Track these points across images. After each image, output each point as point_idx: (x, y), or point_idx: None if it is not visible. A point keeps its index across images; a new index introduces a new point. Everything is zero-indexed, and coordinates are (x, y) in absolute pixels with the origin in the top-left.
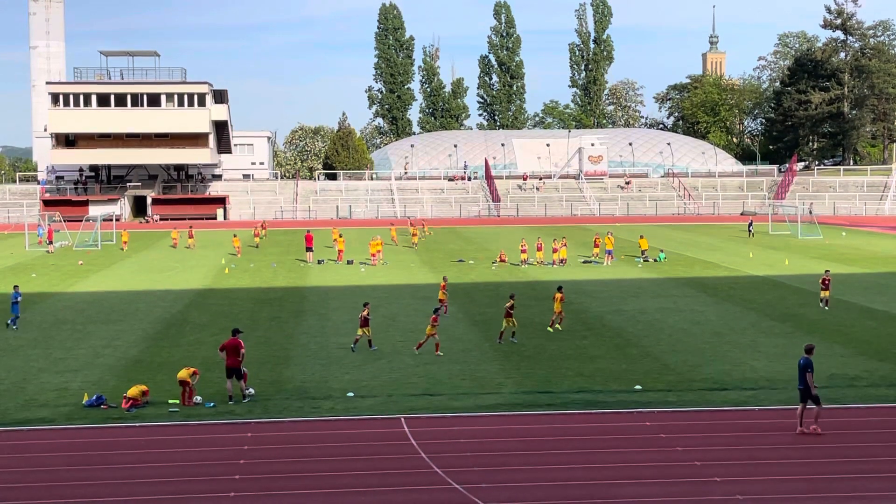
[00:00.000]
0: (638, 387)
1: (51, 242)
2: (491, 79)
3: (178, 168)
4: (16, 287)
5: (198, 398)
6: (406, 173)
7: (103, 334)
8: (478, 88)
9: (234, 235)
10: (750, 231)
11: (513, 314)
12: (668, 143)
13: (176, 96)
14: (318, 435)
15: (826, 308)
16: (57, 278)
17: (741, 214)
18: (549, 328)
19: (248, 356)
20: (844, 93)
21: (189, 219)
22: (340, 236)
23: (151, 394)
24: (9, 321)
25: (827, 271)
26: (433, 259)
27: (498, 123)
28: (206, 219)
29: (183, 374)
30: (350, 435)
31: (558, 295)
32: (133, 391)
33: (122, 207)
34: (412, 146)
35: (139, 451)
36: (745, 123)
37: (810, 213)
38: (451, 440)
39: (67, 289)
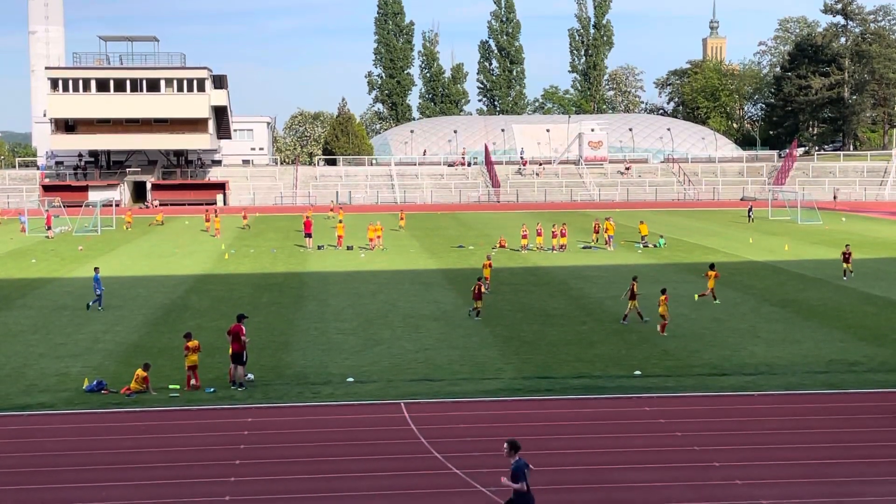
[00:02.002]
0: (637, 372)
1: (49, 228)
2: (491, 64)
3: (178, 153)
4: (96, 269)
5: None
6: (464, 159)
7: (103, 320)
8: (477, 74)
9: (216, 216)
10: (749, 217)
11: (637, 296)
12: (668, 129)
13: (175, 81)
14: (318, 420)
15: (847, 278)
16: (57, 264)
17: (741, 200)
18: (697, 295)
19: (249, 341)
20: (845, 78)
21: (189, 204)
22: (340, 222)
23: (152, 379)
24: (91, 302)
25: (847, 245)
26: (433, 245)
27: (498, 109)
28: (206, 204)
29: (193, 358)
30: (350, 420)
31: (712, 273)
32: (134, 385)
33: (122, 193)
34: (412, 132)
35: (140, 436)
36: (746, 109)
37: (834, 198)
38: (451, 425)
39: (67, 274)
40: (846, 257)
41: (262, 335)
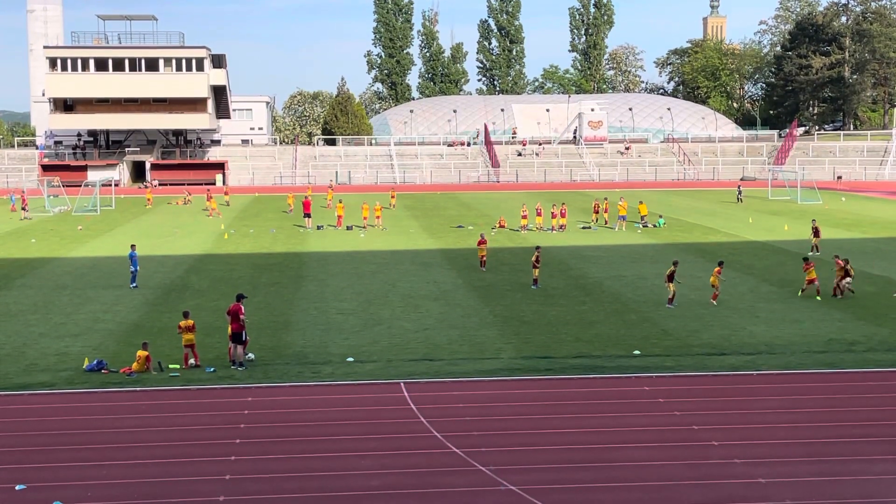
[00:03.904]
0: (637, 352)
1: (24, 209)
2: (490, 43)
3: (177, 133)
4: (133, 247)
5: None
6: (515, 137)
7: (103, 299)
8: (477, 53)
9: (211, 198)
10: (739, 198)
11: (674, 279)
12: (669, 109)
13: (174, 61)
14: (318, 400)
15: (817, 253)
16: (56, 243)
17: (741, 180)
18: (817, 297)
19: (249, 321)
20: (845, 57)
21: (188, 184)
22: (340, 202)
23: (152, 359)
24: (132, 283)
25: (814, 220)
26: (432, 225)
27: (497, 88)
28: (206, 184)
29: (189, 337)
30: (350, 400)
31: (810, 264)
32: (136, 366)
33: (121, 172)
34: (411, 111)
35: (140, 416)
36: (746, 88)
37: (839, 178)
38: (451, 405)
39: (67, 254)
40: (815, 232)
41: (261, 315)
